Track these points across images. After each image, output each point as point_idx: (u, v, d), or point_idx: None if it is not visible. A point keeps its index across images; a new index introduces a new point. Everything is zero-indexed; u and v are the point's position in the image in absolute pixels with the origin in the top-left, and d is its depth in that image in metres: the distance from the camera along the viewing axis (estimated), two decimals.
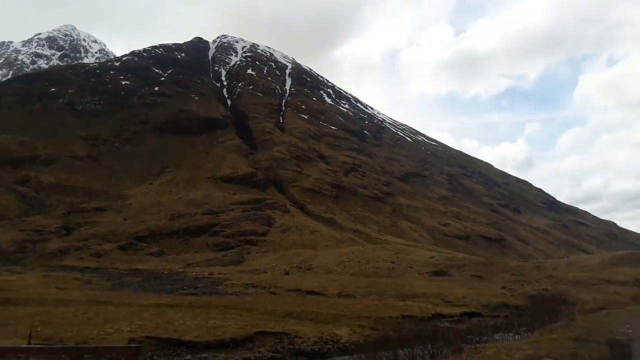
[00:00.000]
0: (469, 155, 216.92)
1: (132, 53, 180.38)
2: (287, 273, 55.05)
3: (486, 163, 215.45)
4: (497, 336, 26.21)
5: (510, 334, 25.91)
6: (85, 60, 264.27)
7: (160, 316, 28.65)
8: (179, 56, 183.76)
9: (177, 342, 24.11)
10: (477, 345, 21.57)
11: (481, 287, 47.10)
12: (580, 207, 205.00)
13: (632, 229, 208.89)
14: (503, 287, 46.83)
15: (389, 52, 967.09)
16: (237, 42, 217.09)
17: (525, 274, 56.17)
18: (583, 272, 57.95)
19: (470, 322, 33.59)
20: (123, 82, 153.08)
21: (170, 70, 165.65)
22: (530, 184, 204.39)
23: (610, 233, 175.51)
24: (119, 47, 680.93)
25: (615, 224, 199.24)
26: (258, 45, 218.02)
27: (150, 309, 31.16)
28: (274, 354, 24.39)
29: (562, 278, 53.53)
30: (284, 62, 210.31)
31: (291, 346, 25.46)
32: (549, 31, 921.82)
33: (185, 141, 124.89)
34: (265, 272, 56.88)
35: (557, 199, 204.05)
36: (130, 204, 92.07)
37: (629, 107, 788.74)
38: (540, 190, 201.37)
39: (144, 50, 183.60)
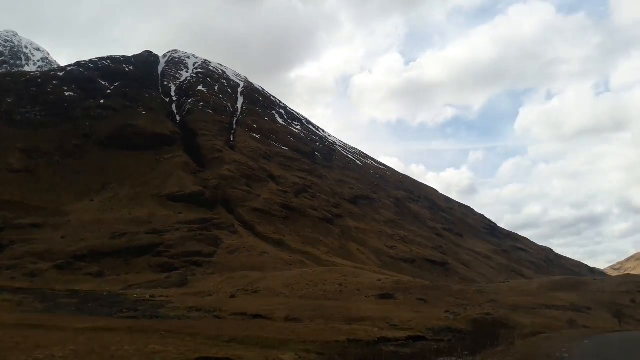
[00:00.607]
0: (415, 180, 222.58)
1: (78, 63, 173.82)
2: (233, 296, 53.75)
3: (432, 188, 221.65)
4: None
5: (454, 358, 26.35)
6: (27, 69, 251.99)
7: (96, 341, 26.97)
8: (127, 69, 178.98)
9: None
10: None
11: (426, 311, 47.76)
12: (519, 233, 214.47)
13: (567, 255, 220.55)
14: (447, 311, 47.70)
15: (342, 77, 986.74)
16: (188, 57, 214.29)
17: (468, 298, 57.57)
18: (522, 297, 60.14)
19: (415, 346, 33.83)
20: (66, 93, 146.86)
21: (117, 83, 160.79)
22: (473, 210, 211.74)
23: (547, 259, 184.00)
24: (64, 57, 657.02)
25: (552, 250, 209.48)
26: (210, 62, 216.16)
27: (86, 333, 29.33)
28: None
29: (503, 302, 55.24)
30: (236, 80, 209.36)
31: None
32: (493, 65, 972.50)
33: (130, 156, 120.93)
34: (210, 295, 55.30)
35: (498, 224, 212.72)
36: (69, 220, 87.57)
37: (565, 139, 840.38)
38: (483, 215, 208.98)
39: (90, 61, 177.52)
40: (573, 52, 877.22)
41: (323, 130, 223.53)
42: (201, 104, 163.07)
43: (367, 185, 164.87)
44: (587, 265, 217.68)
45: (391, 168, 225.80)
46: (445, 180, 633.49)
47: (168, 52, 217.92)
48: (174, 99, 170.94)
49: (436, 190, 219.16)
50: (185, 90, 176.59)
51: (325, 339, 32.60)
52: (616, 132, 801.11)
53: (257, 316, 41.31)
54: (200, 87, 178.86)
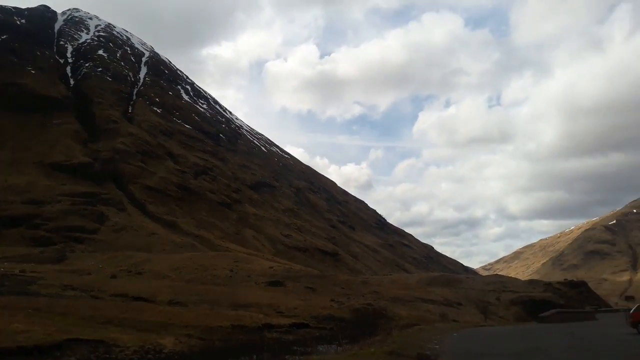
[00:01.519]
0: (316, 172, 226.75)
1: None
2: (114, 276, 51.02)
3: (331, 181, 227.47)
4: (321, 347, 27.49)
5: (334, 346, 27.41)
6: None
7: None
8: (18, 22, 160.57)
9: None
10: (301, 357, 22.38)
11: (313, 299, 49.10)
12: (406, 230, 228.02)
13: (445, 254, 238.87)
14: (332, 300, 49.45)
15: (257, 61, 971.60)
16: (90, 18, 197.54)
17: (353, 288, 60.15)
18: (402, 290, 64.09)
19: (298, 333, 34.68)
20: None
21: (4, 36, 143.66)
22: (366, 204, 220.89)
23: (428, 255, 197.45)
24: None
25: (433, 247, 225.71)
26: (114, 26, 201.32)
27: None
28: None
29: (384, 294, 58.49)
30: (141, 48, 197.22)
31: (107, 355, 23.44)
32: (402, 69, 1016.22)
33: (12, 118, 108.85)
34: (90, 274, 52.01)
35: (388, 220, 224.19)
36: None
37: (456, 146, 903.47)
38: (375, 211, 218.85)
39: None
40: (474, 65, 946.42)
41: (230, 112, 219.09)
42: (100, 69, 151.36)
43: (270, 172, 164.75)
44: (462, 264, 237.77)
45: (295, 158, 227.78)
46: (346, 174, 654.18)
47: (68, 10, 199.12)
48: (70, 61, 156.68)
49: (335, 184, 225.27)
50: (84, 52, 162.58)
51: (209, 324, 32.30)
52: (501, 144, 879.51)
53: (138, 298, 39.69)
54: (100, 52, 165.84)
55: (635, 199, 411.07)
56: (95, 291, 41.13)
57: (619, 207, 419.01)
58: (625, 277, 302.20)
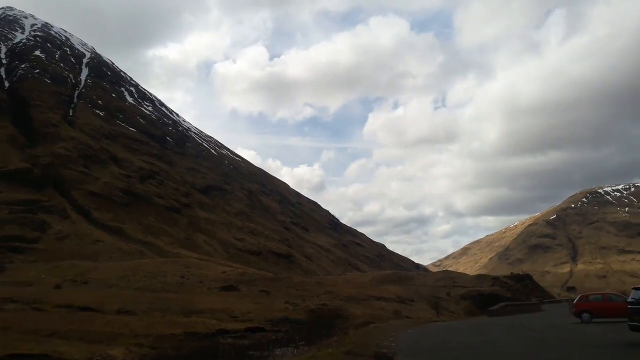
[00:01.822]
0: (268, 174, 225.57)
1: None
2: (58, 286, 48.56)
3: (284, 182, 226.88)
4: (277, 351, 27.22)
5: (290, 348, 27.19)
6: None
7: None
8: None
9: None
10: None
11: (267, 302, 48.66)
12: (358, 229, 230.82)
13: (397, 251, 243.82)
14: (287, 302, 49.16)
15: (205, 62, 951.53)
16: (25, 17, 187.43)
17: (308, 290, 60.09)
18: (356, 289, 64.63)
19: (254, 338, 34.25)
20: None
21: None
22: (319, 205, 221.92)
23: (380, 254, 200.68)
24: None
25: (385, 246, 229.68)
26: (52, 26, 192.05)
27: None
28: None
29: (338, 294, 58.78)
30: (82, 49, 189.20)
31: None
32: (351, 71, 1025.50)
33: None
34: (31, 285, 49.33)
35: (341, 220, 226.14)
36: None
37: (405, 146, 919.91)
38: (328, 212, 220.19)
39: None
40: (420, 68, 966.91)
41: (177, 115, 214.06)
42: (37, 71, 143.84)
43: (221, 175, 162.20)
44: (413, 261, 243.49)
45: (246, 160, 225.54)
46: (298, 176, 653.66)
47: (1, 9, 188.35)
48: (4, 62, 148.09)
49: (288, 185, 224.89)
50: (19, 53, 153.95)
51: (161, 332, 31.35)
52: (447, 144, 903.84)
53: (85, 309, 37.92)
54: (37, 52, 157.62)
55: (573, 194, 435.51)
56: (38, 303, 38.96)
57: (558, 203, 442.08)
58: (566, 268, 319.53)
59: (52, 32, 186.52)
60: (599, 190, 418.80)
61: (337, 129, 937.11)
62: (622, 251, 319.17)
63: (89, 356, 24.45)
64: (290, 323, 40.41)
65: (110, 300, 41.56)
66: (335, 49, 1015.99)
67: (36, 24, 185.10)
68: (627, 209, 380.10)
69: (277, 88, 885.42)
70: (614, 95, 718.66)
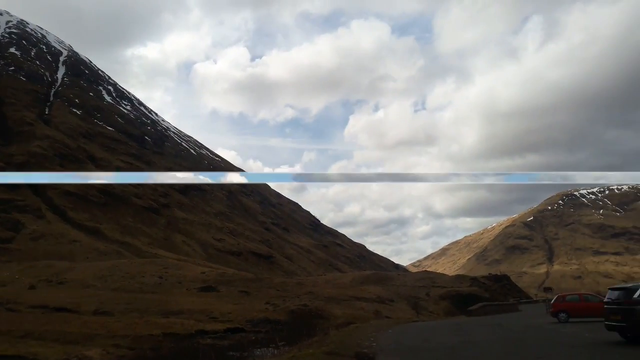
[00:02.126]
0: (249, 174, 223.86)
1: None
2: (33, 287, 47.42)
3: (264, 183, 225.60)
4: (258, 352, 26.97)
5: (271, 349, 26.96)
6: None
7: None
8: None
9: None
10: None
11: (247, 303, 48.28)
12: (339, 230, 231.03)
13: (377, 252, 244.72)
14: (267, 303, 48.84)
15: (185, 63, 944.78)
16: (0, 14, 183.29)
17: (288, 290, 59.81)
18: (337, 289, 64.57)
19: (233, 338, 33.88)
20: None
21: None
22: (300, 206, 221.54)
23: (360, 255, 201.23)
24: None
25: (365, 246, 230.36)
26: (28, 23, 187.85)
27: None
28: None
29: (319, 294, 58.62)
30: (58, 47, 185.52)
31: None
32: (332, 73, 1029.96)
33: None
34: (4, 286, 48.05)
35: (322, 221, 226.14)
36: None
37: (385, 148, 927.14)
38: (308, 212, 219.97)
39: None
40: (401, 71, 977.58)
41: (156, 114, 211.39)
42: (12, 68, 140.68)
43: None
44: (393, 261, 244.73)
45: (226, 160, 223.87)
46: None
47: None
48: None
49: (268, 186, 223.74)
50: None
51: (138, 333, 30.82)
52: (427, 146, 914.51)
53: (60, 309, 37.14)
54: (12, 50, 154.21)
55: (550, 196, 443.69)
56: (11, 303, 38.06)
57: (535, 205, 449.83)
58: (542, 269, 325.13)
59: (27, 29, 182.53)
60: (574, 193, 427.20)
61: (318, 130, 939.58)
62: (597, 252, 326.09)
63: (64, 357, 23.89)
64: (271, 324, 40.13)
65: (86, 300, 40.75)
66: (317, 51, 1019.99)
67: (11, 21, 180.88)
68: (601, 211, 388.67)
69: (258, 89, 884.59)
70: (589, 100, 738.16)
